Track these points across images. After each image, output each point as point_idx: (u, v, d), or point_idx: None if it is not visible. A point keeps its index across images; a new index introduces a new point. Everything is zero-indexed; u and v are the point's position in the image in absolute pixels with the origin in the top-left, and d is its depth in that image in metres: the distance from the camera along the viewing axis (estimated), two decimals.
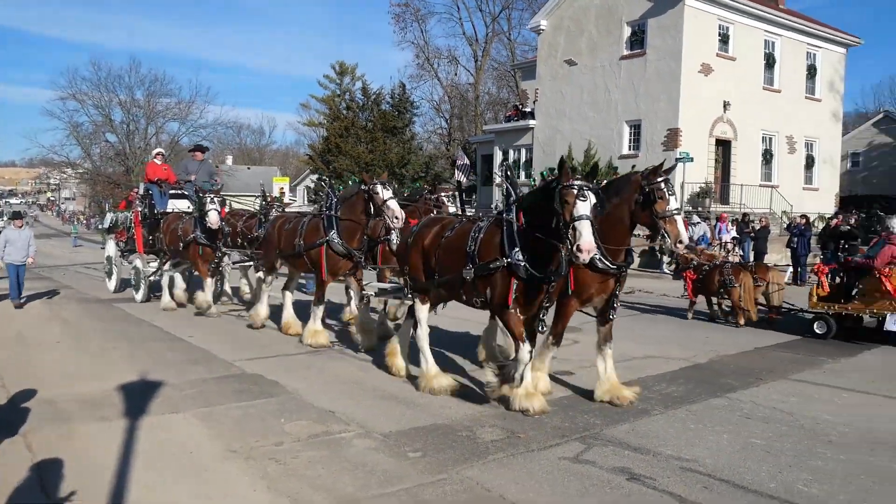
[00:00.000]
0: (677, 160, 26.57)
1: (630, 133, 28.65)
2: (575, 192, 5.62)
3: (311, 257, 9.62)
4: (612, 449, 5.56)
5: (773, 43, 29.62)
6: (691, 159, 24.89)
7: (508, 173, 7.00)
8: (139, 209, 14.61)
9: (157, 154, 15.74)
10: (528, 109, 34.31)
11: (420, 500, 4.56)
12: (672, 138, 26.80)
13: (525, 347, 6.24)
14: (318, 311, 9.72)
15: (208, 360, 8.80)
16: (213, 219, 11.84)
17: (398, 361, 7.88)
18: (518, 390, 6.33)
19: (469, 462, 5.24)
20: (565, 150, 28.55)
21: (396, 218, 8.59)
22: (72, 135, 56.71)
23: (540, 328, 6.43)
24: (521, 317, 6.33)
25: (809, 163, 31.74)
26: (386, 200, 8.66)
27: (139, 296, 14.27)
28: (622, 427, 6.11)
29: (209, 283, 12.50)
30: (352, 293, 10.65)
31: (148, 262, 14.27)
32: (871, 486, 4.89)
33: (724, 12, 27.60)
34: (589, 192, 5.69)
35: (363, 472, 5.02)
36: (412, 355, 7.80)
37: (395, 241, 9.54)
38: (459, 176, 30.88)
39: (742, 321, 11.71)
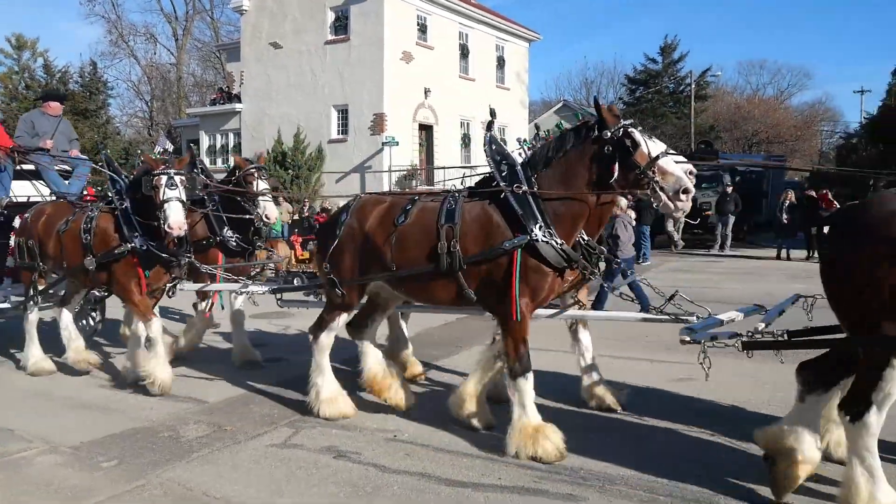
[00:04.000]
0: (384, 144, 27.70)
1: (338, 117, 29.12)
2: None
3: (486, 274, 5.10)
4: (319, 430, 5.64)
5: (466, 34, 31.84)
6: (397, 143, 25.98)
7: None
8: None
9: None
10: (234, 92, 33.27)
11: None
12: (378, 123, 27.69)
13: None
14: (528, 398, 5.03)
15: None
16: (176, 218, 6.35)
17: None
18: None
19: (171, 463, 4.99)
20: (274, 134, 28.21)
21: (686, 192, 4.63)
22: None
23: None
24: None
25: None
26: (657, 157, 4.64)
27: None
28: None
29: (148, 328, 6.73)
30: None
31: None
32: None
33: (422, 3, 29.06)
34: None
35: (47, 492, 4.55)
36: None
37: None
38: None
39: None
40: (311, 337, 6.06)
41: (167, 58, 53.01)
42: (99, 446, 5.37)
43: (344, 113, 28.92)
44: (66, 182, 8.80)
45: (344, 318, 6.01)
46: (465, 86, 31.63)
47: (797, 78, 66.01)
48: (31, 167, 8.84)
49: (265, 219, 7.74)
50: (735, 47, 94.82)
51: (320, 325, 6.02)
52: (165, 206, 6.36)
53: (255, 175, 7.75)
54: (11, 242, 8.14)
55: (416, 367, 7.18)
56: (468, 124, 32.32)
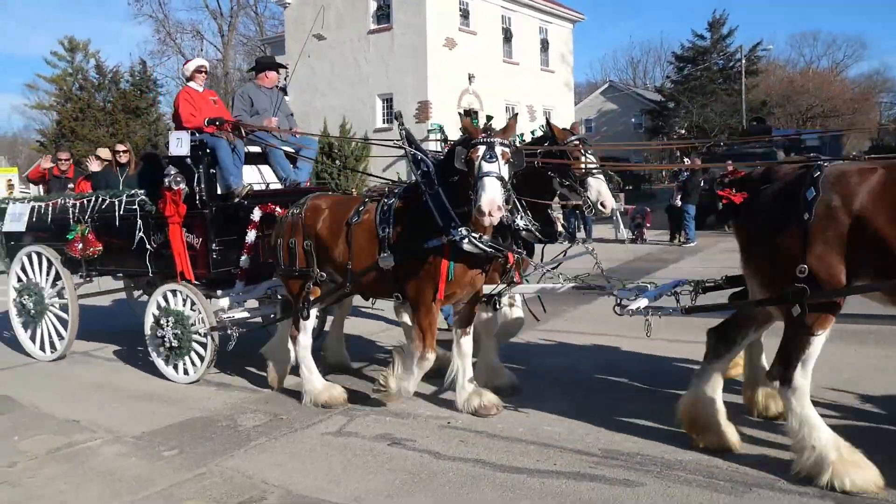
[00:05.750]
0: (429, 132, 27.66)
1: (383, 106, 29.21)
2: None
3: None
4: (374, 418, 5.67)
5: (509, 18, 31.56)
6: (442, 130, 25.86)
7: None
8: (176, 186, 6.69)
9: (198, 70, 7.73)
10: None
11: (175, 500, 4.35)
12: (423, 111, 27.68)
13: None
14: None
15: None
16: (490, 198, 4.73)
17: None
18: None
19: (230, 452, 5.08)
20: (320, 125, 28.36)
21: None
22: None
23: None
24: None
25: None
26: None
27: (181, 370, 6.95)
28: None
29: (419, 363, 5.48)
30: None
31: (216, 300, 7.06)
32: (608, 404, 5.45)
33: None
34: None
35: (111, 481, 4.68)
36: None
37: None
38: None
39: None
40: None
41: (213, 54, 53.84)
42: (160, 436, 5.50)
43: (388, 102, 28.98)
44: (294, 167, 7.68)
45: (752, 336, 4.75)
46: (509, 70, 31.39)
47: (853, 48, 64.10)
48: (256, 149, 7.57)
49: (600, 207, 5.80)
50: (786, 19, 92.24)
51: (731, 338, 4.69)
52: (479, 182, 4.82)
53: (582, 150, 5.91)
54: (248, 238, 6.84)
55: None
56: (513, 108, 32.09)
